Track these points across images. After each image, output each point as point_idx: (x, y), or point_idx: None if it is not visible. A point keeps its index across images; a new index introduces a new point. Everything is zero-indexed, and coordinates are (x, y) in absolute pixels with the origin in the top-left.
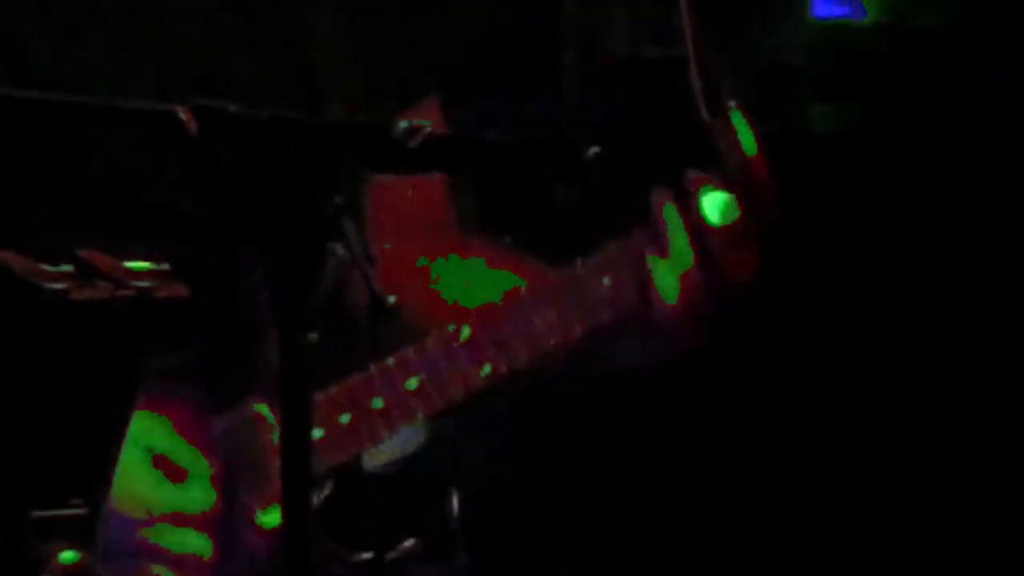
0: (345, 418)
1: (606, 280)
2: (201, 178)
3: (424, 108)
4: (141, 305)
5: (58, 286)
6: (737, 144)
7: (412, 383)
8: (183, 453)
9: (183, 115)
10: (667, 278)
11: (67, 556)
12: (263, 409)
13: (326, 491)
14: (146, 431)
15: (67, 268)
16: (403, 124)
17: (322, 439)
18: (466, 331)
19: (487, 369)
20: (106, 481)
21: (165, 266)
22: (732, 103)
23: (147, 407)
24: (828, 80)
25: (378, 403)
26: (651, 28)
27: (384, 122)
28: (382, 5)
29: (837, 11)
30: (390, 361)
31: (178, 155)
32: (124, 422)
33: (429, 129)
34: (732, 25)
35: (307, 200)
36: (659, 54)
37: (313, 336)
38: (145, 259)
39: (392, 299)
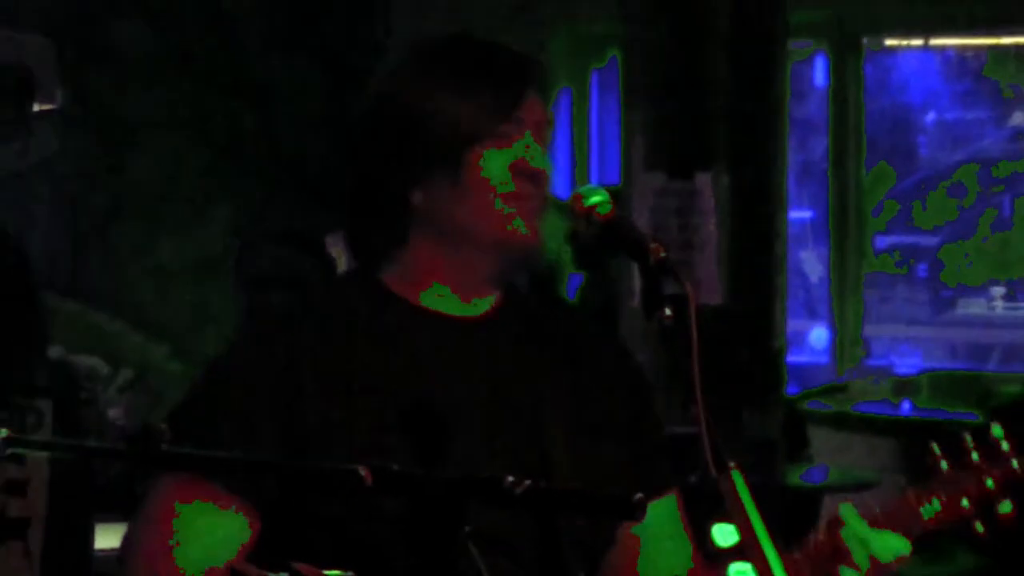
0: None
1: None
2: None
3: None
4: None
5: None
6: (736, 494)
7: None
8: None
9: (363, 472)
10: None
11: None
12: None
13: None
14: None
15: (283, 575)
16: (510, 478)
17: None
18: None
19: None
20: None
21: (350, 573)
22: (732, 464)
23: None
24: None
25: None
26: (677, 413)
27: (495, 476)
28: None
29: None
30: None
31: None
32: None
33: (528, 482)
34: (730, 410)
35: (443, 530)
36: (682, 431)
37: None
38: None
39: None
